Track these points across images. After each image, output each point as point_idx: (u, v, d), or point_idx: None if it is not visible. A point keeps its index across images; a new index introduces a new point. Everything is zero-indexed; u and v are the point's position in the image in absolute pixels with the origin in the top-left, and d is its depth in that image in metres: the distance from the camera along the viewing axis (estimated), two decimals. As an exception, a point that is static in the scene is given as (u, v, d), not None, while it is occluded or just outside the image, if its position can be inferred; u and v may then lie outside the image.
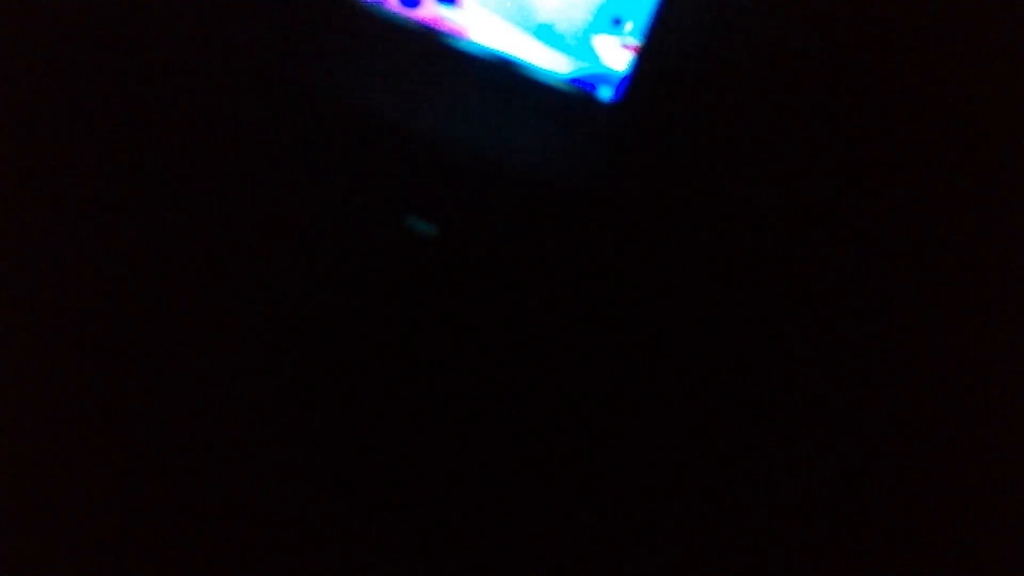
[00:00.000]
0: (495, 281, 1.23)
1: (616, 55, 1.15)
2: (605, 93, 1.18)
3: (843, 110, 1.10)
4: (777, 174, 1.14)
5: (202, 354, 1.29)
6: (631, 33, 1.14)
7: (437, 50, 1.24)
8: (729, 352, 1.19)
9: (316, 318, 1.27)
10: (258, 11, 1.30)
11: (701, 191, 1.16)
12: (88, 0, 1.32)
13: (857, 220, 1.12)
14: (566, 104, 1.21)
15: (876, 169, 1.10)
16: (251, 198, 1.30)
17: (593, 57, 1.16)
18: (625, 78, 1.16)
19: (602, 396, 1.23)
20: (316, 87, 1.22)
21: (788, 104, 1.11)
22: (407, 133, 1.20)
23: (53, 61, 1.34)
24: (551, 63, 1.19)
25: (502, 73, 1.22)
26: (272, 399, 1.27)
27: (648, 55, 1.14)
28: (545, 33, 1.17)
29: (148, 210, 1.33)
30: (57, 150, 1.35)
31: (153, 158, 1.33)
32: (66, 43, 1.34)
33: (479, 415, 1.25)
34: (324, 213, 1.26)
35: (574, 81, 1.19)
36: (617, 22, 1.13)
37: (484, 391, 1.25)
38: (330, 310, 1.27)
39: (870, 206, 1.11)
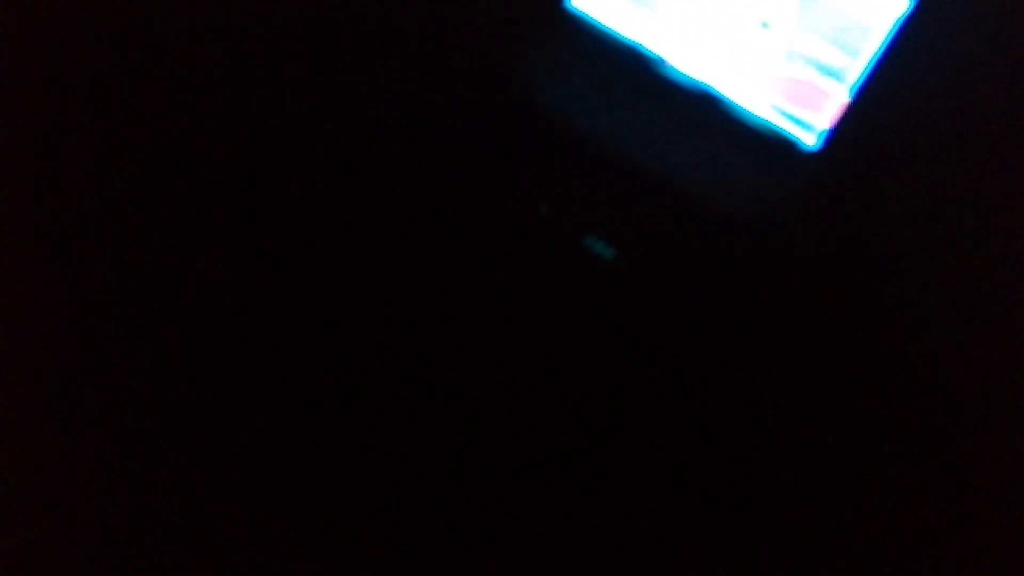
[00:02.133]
0: (666, 310, 1.22)
1: (827, 106, 1.13)
2: (807, 141, 1.15)
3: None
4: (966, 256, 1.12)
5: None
6: (845, 87, 1.12)
7: (640, 73, 1.22)
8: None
9: (481, 326, 1.25)
10: (463, 13, 1.27)
11: (882, 255, 1.15)
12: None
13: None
14: (764, 146, 1.18)
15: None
16: (426, 204, 1.27)
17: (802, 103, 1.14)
18: (831, 130, 1.14)
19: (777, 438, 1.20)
20: (515, 91, 1.20)
21: (987, 185, 1.09)
22: (599, 150, 1.20)
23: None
24: (754, 102, 1.17)
25: (703, 105, 1.20)
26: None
27: (858, 112, 1.13)
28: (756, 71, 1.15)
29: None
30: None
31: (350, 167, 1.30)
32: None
33: (650, 438, 1.22)
34: (503, 221, 1.24)
35: (776, 124, 1.16)
36: (832, 74, 1.12)
37: (621, 408, 1.22)
38: (499, 319, 1.25)
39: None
